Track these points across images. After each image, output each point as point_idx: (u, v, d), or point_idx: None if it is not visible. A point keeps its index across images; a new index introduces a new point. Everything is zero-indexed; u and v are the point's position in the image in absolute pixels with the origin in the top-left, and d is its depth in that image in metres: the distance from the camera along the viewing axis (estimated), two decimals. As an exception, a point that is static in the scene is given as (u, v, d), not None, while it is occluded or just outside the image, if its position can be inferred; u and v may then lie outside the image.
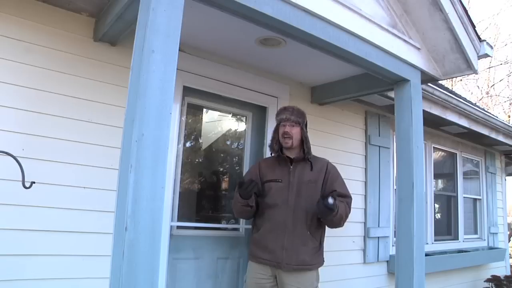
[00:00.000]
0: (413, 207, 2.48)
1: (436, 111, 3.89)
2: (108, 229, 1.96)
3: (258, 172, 2.44)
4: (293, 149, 2.40)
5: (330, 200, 2.08)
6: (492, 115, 5.14)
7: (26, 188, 1.79)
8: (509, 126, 5.17)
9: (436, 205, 4.90)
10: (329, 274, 3.02)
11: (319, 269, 2.36)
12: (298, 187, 2.32)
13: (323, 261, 2.38)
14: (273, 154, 2.45)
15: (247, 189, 2.21)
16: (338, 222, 2.27)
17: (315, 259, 2.31)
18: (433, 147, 4.79)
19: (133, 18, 1.81)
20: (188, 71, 2.61)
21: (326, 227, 2.40)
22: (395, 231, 3.25)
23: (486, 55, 2.77)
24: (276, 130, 2.45)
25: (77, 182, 2.15)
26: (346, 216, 2.30)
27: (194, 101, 2.80)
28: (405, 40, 2.57)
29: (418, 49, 2.67)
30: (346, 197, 2.35)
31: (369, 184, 3.74)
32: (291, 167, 2.38)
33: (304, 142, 2.39)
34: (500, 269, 5.62)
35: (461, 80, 14.61)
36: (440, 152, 5.09)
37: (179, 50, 1.54)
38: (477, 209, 5.59)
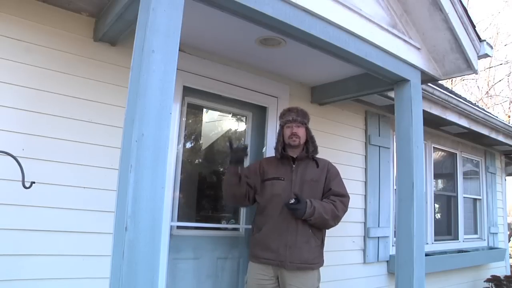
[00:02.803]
0: (413, 207, 2.48)
1: (436, 111, 3.89)
2: (108, 229, 1.96)
3: (258, 169, 2.44)
4: (297, 149, 2.41)
5: (291, 200, 2.21)
6: (492, 115, 5.14)
7: (26, 188, 1.79)
8: (509, 126, 5.17)
9: (436, 205, 4.90)
10: (329, 274, 3.02)
11: (320, 268, 2.36)
12: (300, 186, 2.33)
13: (323, 262, 2.38)
14: (278, 156, 2.45)
15: (238, 151, 2.23)
16: (321, 222, 2.26)
17: (318, 258, 2.32)
18: (433, 147, 4.78)
19: (133, 18, 1.81)
20: (188, 71, 2.61)
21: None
22: (395, 231, 3.25)
23: (486, 55, 2.77)
24: (281, 132, 2.46)
25: (77, 182, 2.15)
26: (335, 216, 2.29)
27: (194, 101, 2.80)
28: (405, 40, 2.57)
29: (418, 49, 2.67)
30: (342, 196, 2.36)
31: (369, 184, 3.73)
32: (294, 165, 2.39)
33: (309, 141, 2.44)
34: (500, 269, 5.62)
35: (462, 80, 14.61)
36: (440, 152, 5.09)
37: (179, 50, 1.54)
38: (477, 209, 5.59)
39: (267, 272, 2.29)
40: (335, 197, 2.33)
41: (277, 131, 2.53)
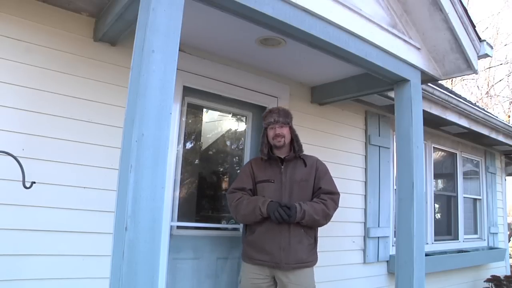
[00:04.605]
0: (413, 207, 2.48)
1: (436, 111, 3.89)
2: (108, 229, 1.96)
3: (250, 173, 2.44)
4: (283, 149, 2.41)
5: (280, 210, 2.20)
6: (492, 115, 5.14)
7: (26, 188, 1.79)
8: (509, 126, 5.17)
9: (436, 205, 4.90)
10: (329, 274, 3.02)
11: (316, 269, 2.36)
12: (291, 186, 2.34)
13: (317, 259, 2.39)
14: (264, 158, 2.44)
15: (285, 214, 2.19)
16: (312, 223, 2.28)
17: (311, 256, 2.33)
18: (433, 147, 4.78)
19: (133, 18, 1.81)
20: (188, 71, 2.61)
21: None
22: (395, 231, 3.25)
23: (486, 55, 2.77)
24: (264, 134, 2.46)
25: (77, 182, 2.15)
26: (326, 215, 2.31)
27: (194, 101, 2.80)
28: (405, 40, 2.57)
29: (418, 49, 2.67)
30: (332, 194, 2.37)
31: (369, 184, 3.73)
32: (282, 167, 2.38)
33: (294, 140, 2.43)
34: (500, 269, 5.62)
35: (462, 80, 14.61)
36: (440, 152, 5.09)
37: (179, 50, 1.54)
38: (477, 209, 5.59)
39: (262, 272, 2.29)
40: (325, 195, 2.34)
41: (261, 133, 2.51)
